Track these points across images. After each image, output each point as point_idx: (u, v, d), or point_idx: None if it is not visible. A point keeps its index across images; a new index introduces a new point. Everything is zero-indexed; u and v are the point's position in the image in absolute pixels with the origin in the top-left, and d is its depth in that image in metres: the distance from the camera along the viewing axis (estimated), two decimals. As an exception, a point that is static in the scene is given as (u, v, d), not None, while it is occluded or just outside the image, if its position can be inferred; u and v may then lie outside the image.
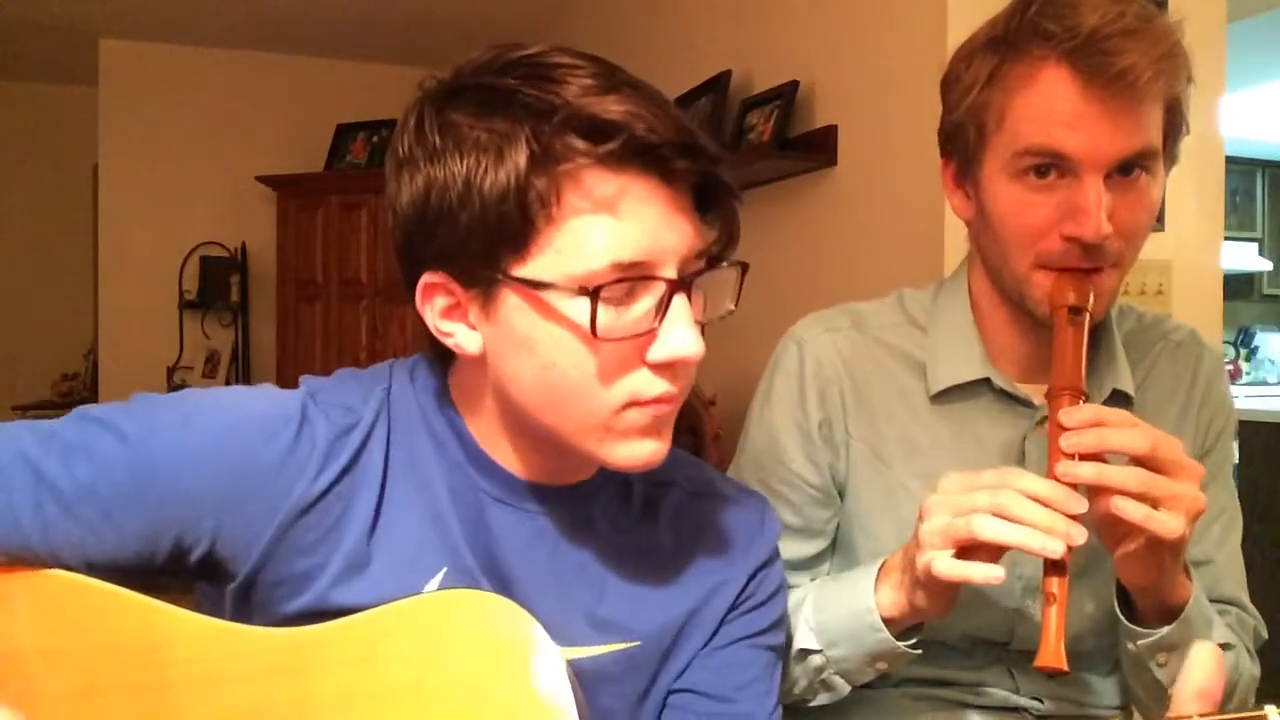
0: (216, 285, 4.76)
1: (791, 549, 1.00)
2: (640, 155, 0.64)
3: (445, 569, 0.72)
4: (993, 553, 0.77)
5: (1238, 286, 5.39)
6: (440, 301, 0.69)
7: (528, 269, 0.65)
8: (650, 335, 0.66)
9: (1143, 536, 0.77)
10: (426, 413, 0.75)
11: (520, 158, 0.63)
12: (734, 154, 2.58)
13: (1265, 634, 1.02)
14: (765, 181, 2.67)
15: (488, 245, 0.65)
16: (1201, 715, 0.52)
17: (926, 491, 0.81)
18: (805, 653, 0.91)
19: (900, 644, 0.87)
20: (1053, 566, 0.75)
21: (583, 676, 0.71)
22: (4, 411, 4.82)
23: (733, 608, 0.81)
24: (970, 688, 1.00)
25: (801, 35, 2.58)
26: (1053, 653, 0.73)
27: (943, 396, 0.98)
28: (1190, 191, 2.20)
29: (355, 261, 4.45)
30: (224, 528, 0.69)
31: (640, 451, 0.69)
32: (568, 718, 0.65)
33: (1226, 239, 2.59)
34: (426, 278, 0.69)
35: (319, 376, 0.77)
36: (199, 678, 0.67)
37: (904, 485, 0.97)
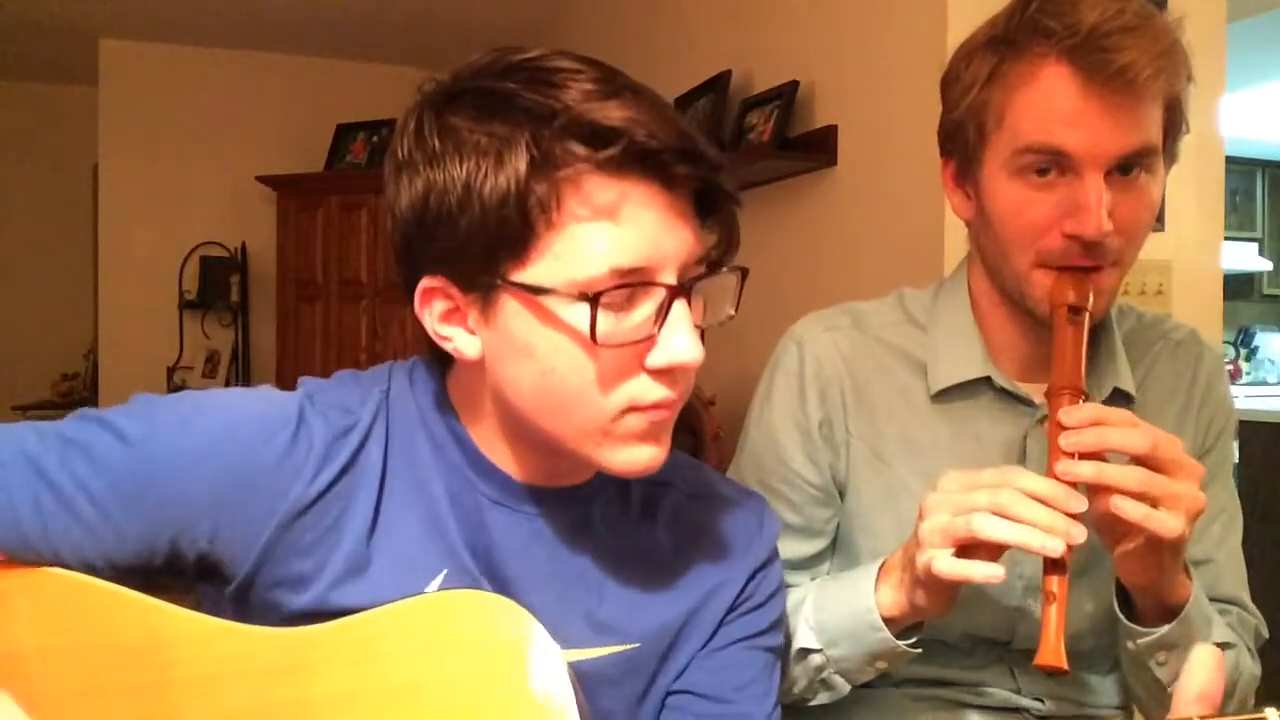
0: (216, 285, 4.76)
1: (791, 548, 1.00)
2: (641, 161, 0.63)
3: (445, 571, 0.72)
4: (993, 551, 0.77)
5: (1238, 286, 5.39)
6: (439, 306, 0.69)
7: (527, 274, 0.65)
8: (650, 341, 0.66)
9: (1142, 535, 0.77)
10: (425, 415, 0.75)
11: (520, 162, 0.63)
12: (734, 154, 2.58)
13: (1266, 633, 1.02)
14: (765, 181, 2.67)
15: (487, 250, 0.65)
16: (1202, 718, 0.51)
17: (926, 490, 0.81)
18: (805, 652, 0.91)
19: (900, 643, 0.87)
20: (1052, 565, 0.75)
21: (582, 679, 0.71)
22: (4, 411, 4.83)
23: (731, 609, 0.81)
24: (971, 687, 0.99)
25: (801, 35, 2.58)
26: (1052, 651, 0.73)
27: (943, 395, 0.98)
28: (1190, 191, 2.20)
29: (355, 261, 4.45)
30: (222, 529, 0.69)
31: (639, 457, 0.69)
32: (567, 717, 0.65)
33: (1226, 239, 2.59)
34: (425, 282, 0.68)
35: (317, 378, 0.77)
36: (199, 677, 0.67)
37: (904, 484, 0.97)
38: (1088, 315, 0.86)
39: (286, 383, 0.75)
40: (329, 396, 0.74)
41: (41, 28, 4.47)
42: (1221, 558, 1.00)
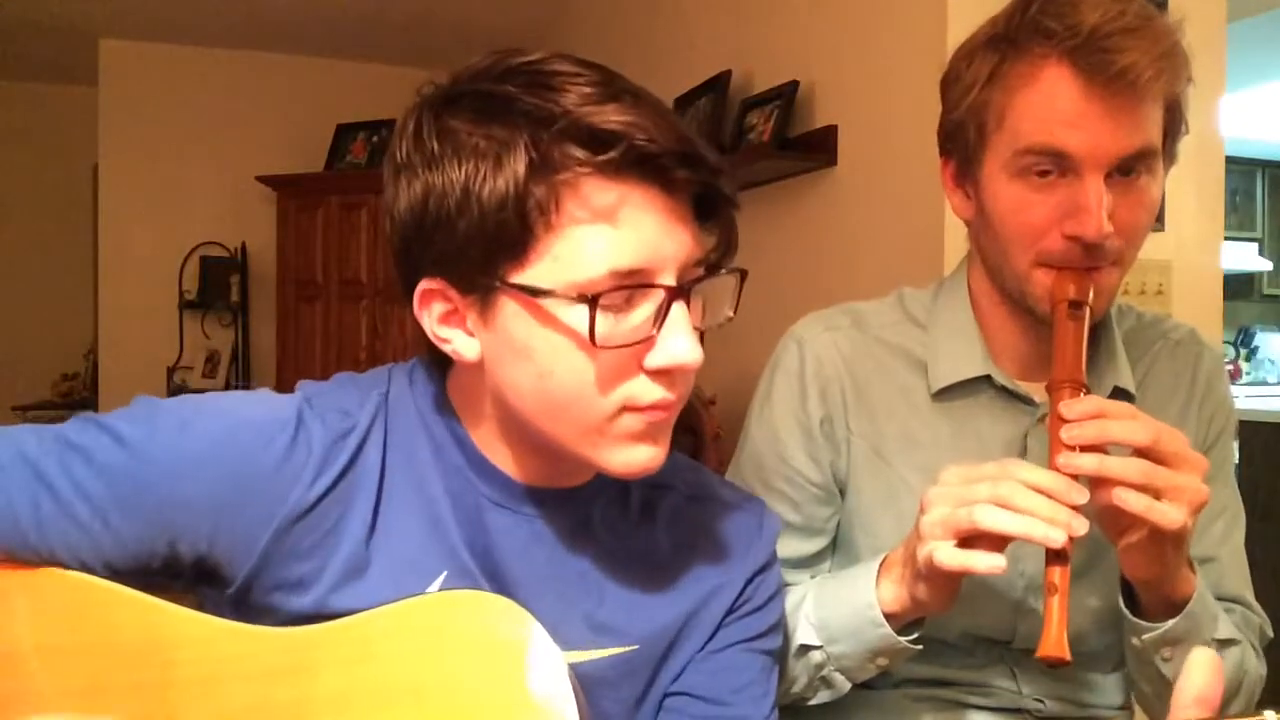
0: (216, 285, 4.76)
1: (792, 547, 1.00)
2: (639, 164, 0.63)
3: (445, 573, 0.72)
4: (994, 543, 0.77)
5: (1238, 286, 5.39)
6: (438, 308, 0.69)
7: (526, 276, 0.65)
8: (649, 342, 0.66)
9: (1145, 528, 0.77)
10: (425, 417, 0.75)
11: (519, 165, 0.63)
12: (734, 154, 2.58)
13: (1271, 632, 1.02)
14: (765, 181, 2.67)
15: (486, 252, 0.65)
16: None
17: (927, 486, 0.81)
18: (806, 649, 0.91)
19: (901, 639, 0.87)
20: (1054, 556, 0.75)
21: (581, 680, 0.71)
22: (4, 411, 4.83)
23: (730, 611, 0.81)
24: (971, 687, 0.99)
25: (801, 35, 2.58)
26: (1054, 642, 0.73)
27: (944, 394, 0.98)
28: (1190, 191, 2.20)
29: (355, 261, 4.45)
30: (220, 532, 0.69)
31: (637, 457, 0.69)
32: (566, 718, 0.65)
33: (1226, 239, 2.59)
34: (424, 284, 0.68)
35: (316, 381, 0.77)
36: (199, 677, 0.67)
37: (904, 482, 0.97)
38: (1088, 311, 0.86)
39: (286, 383, 0.75)
40: (327, 400, 0.74)
41: (41, 28, 4.47)
42: (1224, 556, 1.00)
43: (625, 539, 0.79)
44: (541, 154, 0.63)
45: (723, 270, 0.70)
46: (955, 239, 1.54)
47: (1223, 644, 0.90)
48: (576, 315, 0.64)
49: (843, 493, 1.02)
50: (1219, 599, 0.94)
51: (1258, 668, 0.96)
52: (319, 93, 4.82)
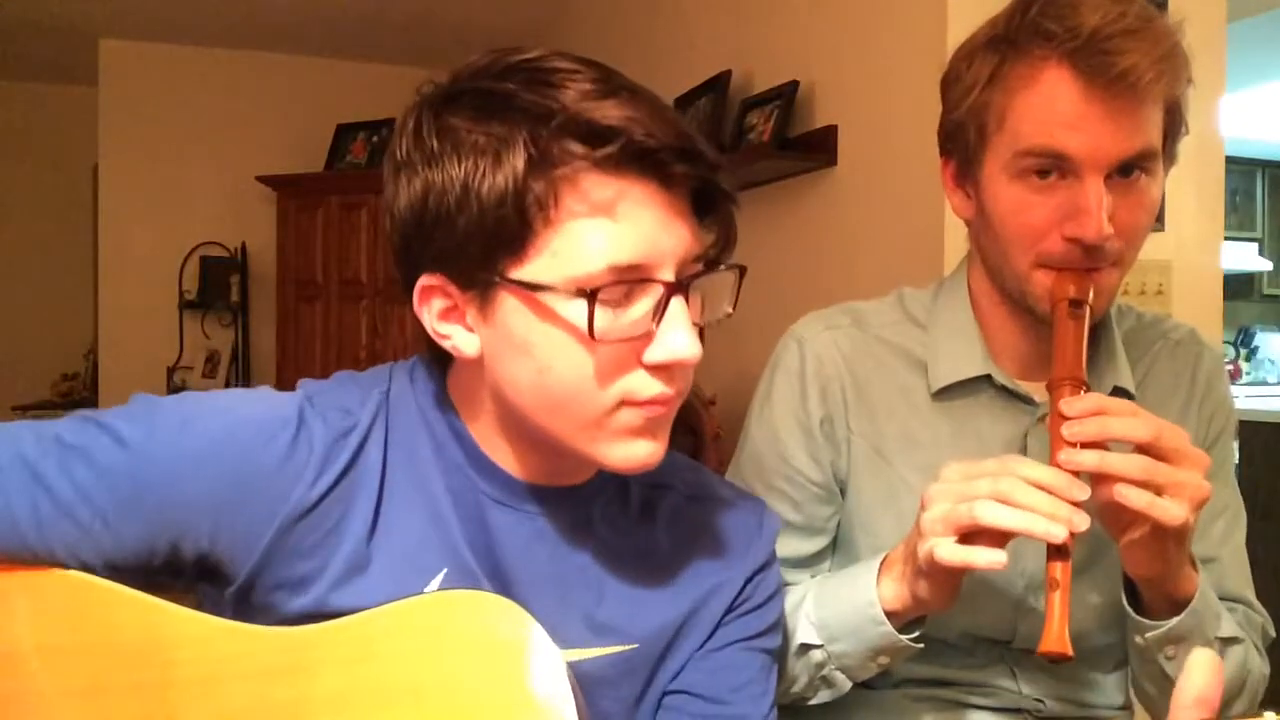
0: (216, 285, 4.76)
1: (792, 546, 1.00)
2: (638, 159, 0.64)
3: (446, 570, 0.72)
4: (995, 540, 0.77)
5: (1238, 286, 5.39)
6: (438, 304, 0.69)
7: (525, 271, 0.65)
8: (647, 337, 0.66)
9: (1147, 525, 0.78)
10: (426, 415, 0.75)
11: (518, 161, 0.63)
12: (734, 154, 2.58)
13: (1273, 631, 1.02)
14: (765, 181, 2.67)
15: (485, 248, 0.65)
16: None
17: (928, 483, 0.81)
18: (806, 648, 0.91)
19: (903, 637, 0.87)
20: (1056, 552, 0.75)
21: (580, 679, 0.71)
22: (4, 412, 4.82)
23: (729, 610, 0.81)
24: (972, 687, 0.99)
25: (801, 35, 2.58)
26: (1056, 638, 0.73)
27: (944, 393, 0.98)
28: (1190, 191, 2.20)
29: (355, 261, 4.45)
30: (222, 531, 0.69)
31: (635, 452, 0.69)
32: (566, 718, 0.65)
33: (1226, 239, 2.59)
34: (424, 280, 0.69)
35: (317, 379, 0.77)
36: (199, 677, 0.67)
37: (905, 482, 0.98)
38: (1088, 309, 0.86)
39: (286, 383, 0.75)
40: (328, 398, 0.74)
41: (41, 28, 4.47)
42: (1225, 556, 1.00)
43: (626, 537, 0.79)
44: (540, 150, 0.63)
45: (721, 266, 0.70)
46: (955, 239, 1.54)
47: (1226, 642, 0.90)
48: (575, 310, 0.64)
49: (843, 492, 1.02)
50: (1220, 599, 0.94)
51: (1261, 667, 0.96)
52: (319, 93, 4.82)
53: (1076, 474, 0.76)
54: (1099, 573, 0.95)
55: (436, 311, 0.70)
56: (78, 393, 5.17)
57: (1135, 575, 0.85)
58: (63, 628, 0.68)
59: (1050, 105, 0.84)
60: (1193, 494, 0.76)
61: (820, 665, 0.92)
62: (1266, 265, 5.41)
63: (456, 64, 0.70)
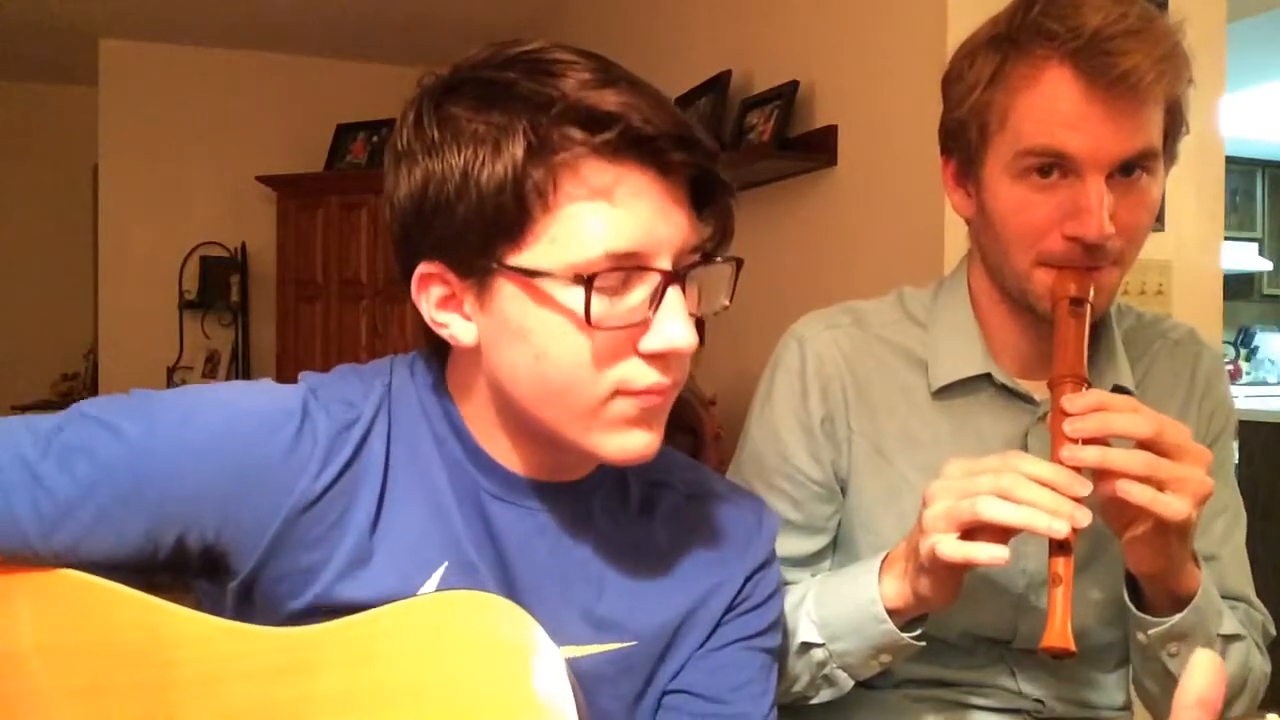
0: (216, 285, 4.76)
1: (792, 545, 1.00)
2: (637, 146, 0.64)
3: (447, 563, 0.72)
4: (997, 536, 0.78)
5: (1238, 286, 5.39)
6: (436, 292, 0.70)
7: (523, 258, 0.65)
8: (644, 325, 0.66)
9: (1149, 520, 0.78)
10: (426, 408, 0.75)
11: (518, 149, 0.63)
12: (734, 154, 2.58)
13: (1273, 630, 1.02)
14: (765, 181, 2.67)
15: (484, 236, 0.65)
16: None
17: (929, 482, 0.81)
18: (807, 646, 0.91)
19: (904, 635, 0.87)
20: (1058, 548, 0.75)
21: (579, 676, 0.71)
22: (4, 412, 4.81)
23: (729, 609, 0.81)
24: (972, 688, 1.00)
25: (801, 35, 2.58)
26: (1058, 633, 0.73)
27: (944, 392, 0.98)
28: (1190, 191, 2.20)
29: (355, 261, 4.45)
30: (226, 524, 0.69)
31: (631, 443, 0.69)
32: (566, 719, 0.65)
33: (1226, 239, 2.59)
34: (422, 268, 0.69)
35: (318, 373, 0.77)
36: (201, 676, 0.67)
37: (905, 480, 0.98)
38: (1089, 307, 0.86)
39: (286, 383, 0.75)
40: (331, 391, 0.74)
41: (41, 28, 4.47)
42: (1226, 555, 1.00)
43: (626, 531, 0.79)
44: (540, 137, 0.63)
45: (719, 258, 0.71)
46: (955, 239, 1.54)
47: (1227, 640, 0.90)
48: (572, 296, 0.65)
49: (844, 491, 1.02)
50: (1221, 597, 0.94)
51: (1262, 665, 0.96)
52: (319, 93, 4.82)
53: (1078, 470, 0.77)
54: (1100, 569, 0.95)
55: (434, 300, 0.70)
56: (78, 393, 5.17)
57: (1137, 571, 0.85)
58: (64, 628, 0.68)
59: (1052, 105, 0.84)
60: (1195, 489, 0.76)
61: (822, 664, 0.92)
62: (1266, 265, 5.41)
63: (456, 61, 0.70)
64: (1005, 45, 0.88)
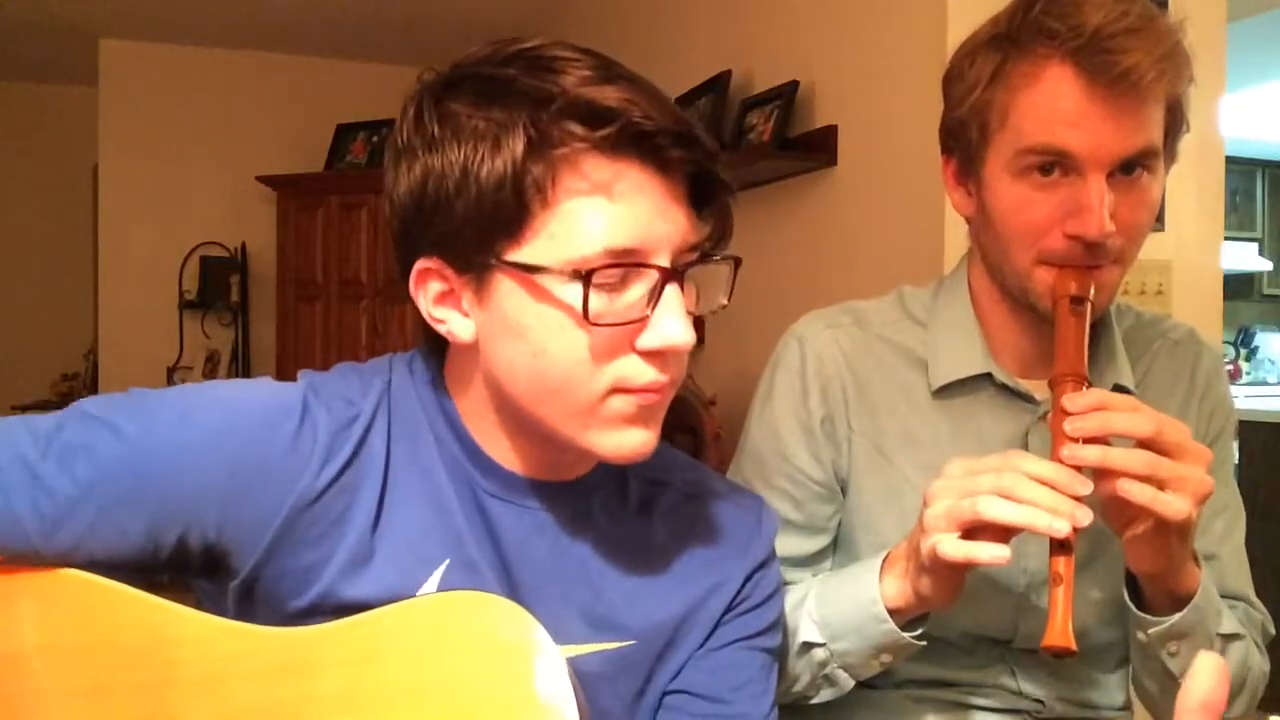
0: (216, 285, 4.76)
1: (792, 545, 1.00)
2: (636, 142, 0.64)
3: (449, 561, 0.72)
4: (998, 535, 0.78)
5: (1238, 286, 5.39)
6: (434, 287, 0.70)
7: (522, 254, 0.65)
8: (642, 323, 0.66)
9: (1150, 520, 0.78)
10: (425, 406, 0.75)
11: (518, 145, 0.63)
12: (734, 154, 2.58)
13: (1272, 629, 1.02)
14: (765, 181, 2.67)
15: (483, 231, 0.65)
16: None
17: (930, 481, 0.81)
18: (808, 646, 0.91)
19: (905, 635, 0.87)
20: (1059, 547, 0.75)
21: (579, 675, 0.71)
22: (4, 412, 4.81)
23: (729, 609, 0.81)
24: (973, 688, 0.99)
25: (801, 35, 2.58)
26: (1059, 632, 0.73)
27: (944, 392, 0.98)
28: (1190, 191, 2.20)
29: (355, 261, 4.45)
30: (227, 522, 0.69)
31: (628, 441, 0.69)
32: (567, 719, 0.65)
33: (1226, 239, 2.59)
34: (421, 263, 0.69)
35: (318, 371, 0.77)
36: (203, 676, 0.67)
37: (906, 480, 0.98)
38: (1089, 306, 0.86)
39: (286, 382, 0.75)
40: (331, 388, 0.74)
41: (41, 28, 4.47)
42: (1225, 554, 1.00)
43: (625, 529, 0.79)
44: (540, 133, 0.63)
45: (717, 257, 0.71)
46: (955, 238, 1.54)
47: (1227, 639, 0.90)
48: (571, 292, 0.65)
49: (844, 491, 1.02)
50: (1221, 596, 0.94)
51: (1261, 664, 0.96)
52: (319, 93, 4.82)
53: (1079, 469, 0.77)
54: (1101, 568, 0.95)
55: (432, 295, 0.70)
56: (78, 393, 5.16)
57: (1138, 571, 0.85)
58: (66, 628, 0.68)
59: (1053, 103, 0.84)
60: (1195, 489, 0.76)
61: (823, 664, 0.92)
62: (1266, 265, 5.41)
63: (456, 58, 0.70)
64: (1006, 44, 0.88)
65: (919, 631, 0.88)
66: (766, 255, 2.65)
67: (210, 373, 4.73)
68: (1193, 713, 0.50)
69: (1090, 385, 0.83)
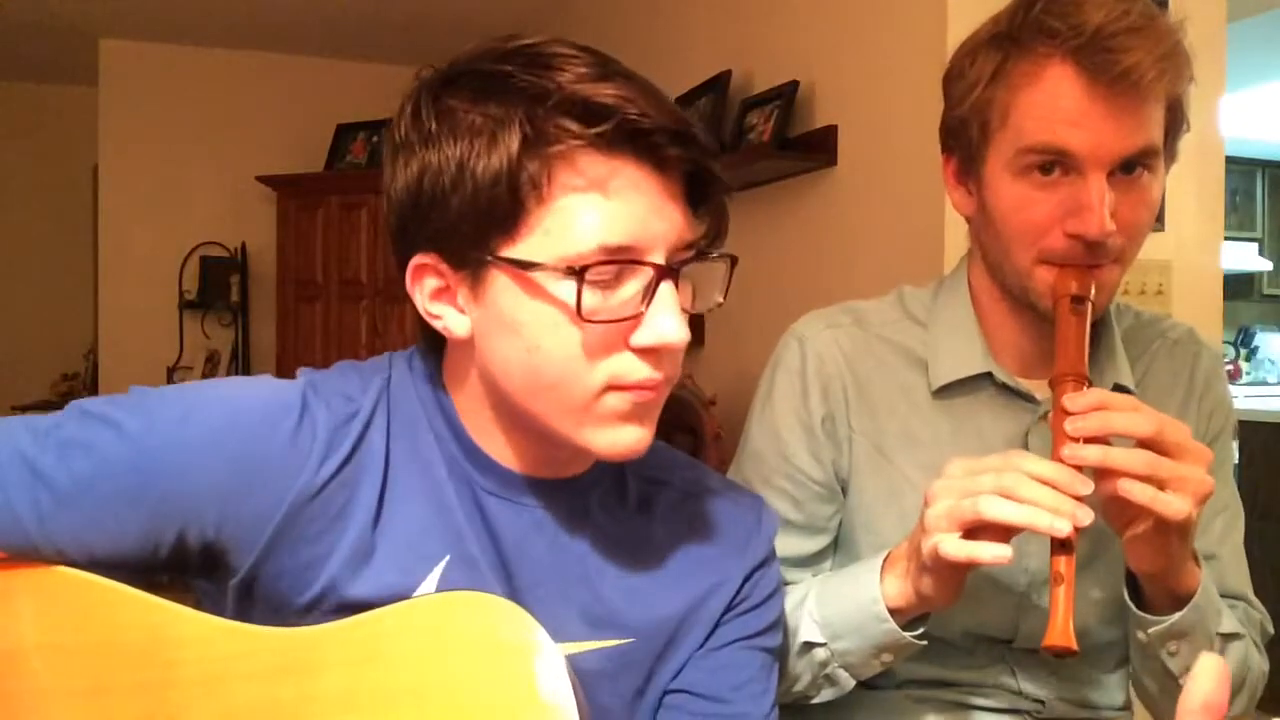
0: (216, 285, 4.76)
1: (793, 545, 1.00)
2: (632, 140, 0.64)
3: (449, 557, 0.72)
4: (999, 535, 0.78)
5: (1238, 286, 5.39)
6: (430, 283, 0.70)
7: (517, 250, 0.65)
8: (636, 320, 0.66)
9: (1150, 519, 0.78)
10: (425, 403, 0.76)
11: (513, 142, 0.64)
12: (734, 154, 2.58)
13: (1271, 629, 1.03)
14: (765, 181, 2.67)
15: (478, 227, 0.65)
16: None
17: (931, 481, 0.81)
18: (809, 646, 0.91)
19: (906, 634, 0.87)
20: (1059, 546, 0.75)
21: (578, 673, 0.72)
22: (4, 412, 4.81)
23: (728, 609, 0.81)
24: (973, 688, 0.99)
25: (801, 35, 2.58)
26: (1060, 632, 0.73)
27: (944, 391, 0.98)
28: (1190, 191, 2.20)
29: (355, 261, 4.45)
30: (228, 519, 0.69)
31: (623, 438, 0.69)
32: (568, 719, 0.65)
33: (1226, 239, 2.59)
34: (417, 259, 0.69)
35: (317, 368, 0.77)
36: (203, 676, 0.67)
37: (907, 480, 0.98)
38: (1090, 306, 0.86)
39: (285, 380, 0.75)
40: (330, 385, 0.74)
41: (41, 28, 4.47)
42: (1225, 554, 1.01)
43: (624, 526, 0.79)
44: (536, 129, 0.64)
45: (713, 255, 0.71)
46: (955, 238, 1.54)
47: (1227, 638, 0.90)
48: (565, 289, 0.65)
49: (844, 491, 1.02)
50: (1220, 595, 0.94)
51: (1261, 663, 0.97)
52: (319, 93, 4.82)
53: (1080, 469, 0.77)
54: (1101, 568, 0.95)
55: (428, 291, 0.70)
56: (78, 393, 5.16)
57: (1138, 570, 0.85)
58: (65, 627, 0.68)
59: (1053, 102, 0.84)
60: (1195, 489, 0.76)
61: (823, 664, 0.92)
62: (1266, 265, 5.41)
63: (455, 55, 0.70)
64: (1007, 43, 0.88)
65: (920, 631, 0.88)
66: (766, 255, 2.65)
67: (210, 373, 4.73)
68: (1194, 714, 0.50)
69: (1091, 385, 0.83)
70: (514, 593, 0.73)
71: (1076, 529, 0.74)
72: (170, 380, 4.67)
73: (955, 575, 0.82)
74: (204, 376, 4.69)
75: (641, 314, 0.66)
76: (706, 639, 0.80)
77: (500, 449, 0.75)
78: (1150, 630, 0.87)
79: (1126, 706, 1.05)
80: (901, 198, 2.18)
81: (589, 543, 0.77)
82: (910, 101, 2.12)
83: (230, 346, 4.82)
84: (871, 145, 2.31)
